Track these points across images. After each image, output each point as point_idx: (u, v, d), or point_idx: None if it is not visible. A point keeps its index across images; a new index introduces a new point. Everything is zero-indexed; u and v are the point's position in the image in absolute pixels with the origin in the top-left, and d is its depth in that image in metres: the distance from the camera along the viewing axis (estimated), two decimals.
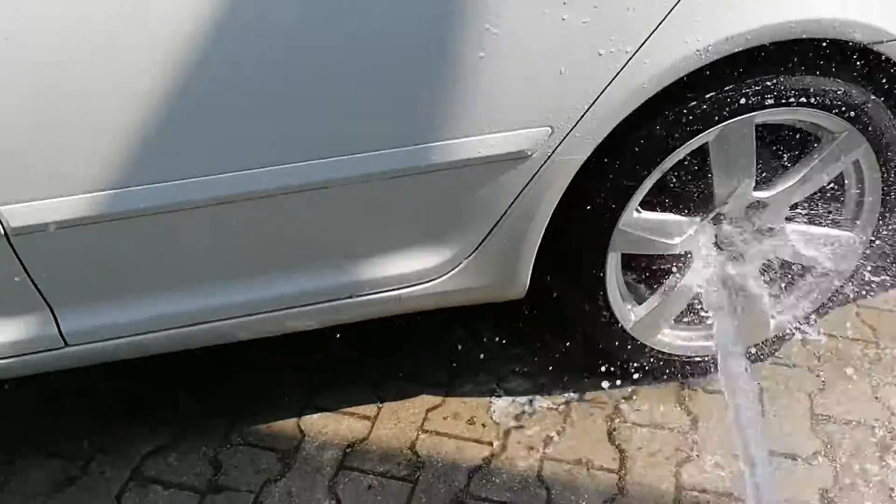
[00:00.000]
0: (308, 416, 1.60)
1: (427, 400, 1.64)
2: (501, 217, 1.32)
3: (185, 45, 1.03)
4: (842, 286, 1.62)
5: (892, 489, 1.45)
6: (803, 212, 1.52)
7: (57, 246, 1.14)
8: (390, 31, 1.09)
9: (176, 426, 1.59)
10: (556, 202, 1.32)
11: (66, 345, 1.26)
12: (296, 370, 1.70)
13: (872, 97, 1.35)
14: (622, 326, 1.53)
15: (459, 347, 1.75)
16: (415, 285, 1.38)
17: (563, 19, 1.13)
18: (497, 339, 1.76)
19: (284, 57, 1.07)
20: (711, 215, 1.44)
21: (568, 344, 1.68)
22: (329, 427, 1.58)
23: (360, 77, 1.11)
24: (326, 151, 1.15)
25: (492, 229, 1.34)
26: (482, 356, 1.73)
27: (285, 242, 1.27)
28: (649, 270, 1.57)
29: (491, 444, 1.55)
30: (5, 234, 1.09)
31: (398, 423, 1.59)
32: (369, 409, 1.62)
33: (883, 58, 1.30)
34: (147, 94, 1.04)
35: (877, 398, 1.63)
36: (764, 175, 1.43)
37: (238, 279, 1.29)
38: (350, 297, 1.36)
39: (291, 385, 1.67)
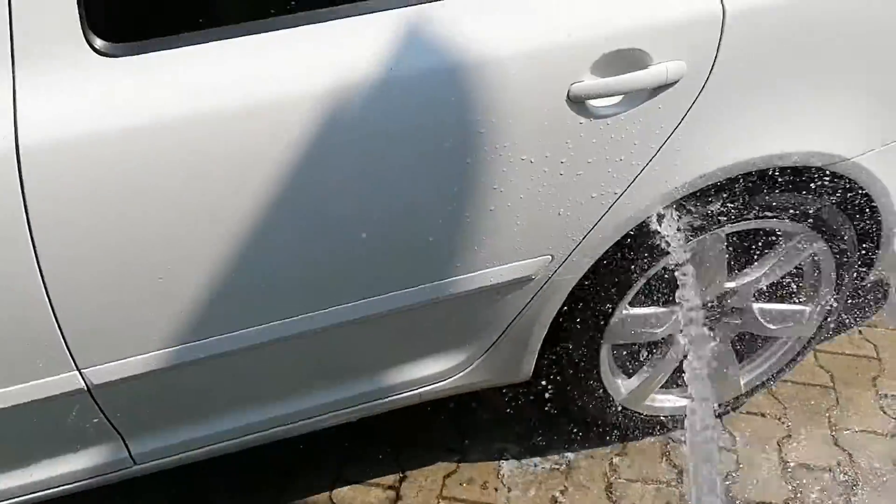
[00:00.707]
0: (338, 490, 1.79)
1: (443, 466, 1.83)
2: (508, 326, 1.52)
3: (234, 232, 1.19)
4: (802, 349, 1.85)
5: None
6: (768, 293, 1.73)
7: (130, 392, 1.30)
8: (426, 208, 1.28)
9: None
10: (556, 311, 1.51)
11: (135, 463, 1.44)
12: (320, 442, 1.86)
13: (827, 204, 1.55)
14: (613, 399, 1.74)
15: (467, 414, 1.94)
16: (434, 383, 1.58)
17: (561, 174, 1.31)
18: (500, 404, 1.94)
19: (346, 232, 1.25)
20: (689, 305, 1.65)
21: (566, 409, 1.87)
22: (358, 499, 1.77)
23: (403, 238, 1.29)
24: (374, 292, 1.33)
25: (500, 336, 1.53)
26: (488, 420, 1.93)
27: (331, 363, 1.45)
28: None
29: None
30: (88, 389, 1.26)
31: (420, 491, 1.79)
32: (392, 479, 1.81)
33: (831, 171, 1.50)
34: (212, 273, 1.21)
35: (836, 442, 1.86)
36: (734, 267, 1.64)
37: (289, 396, 1.47)
38: (381, 399, 1.55)
39: (319, 457, 1.85)
